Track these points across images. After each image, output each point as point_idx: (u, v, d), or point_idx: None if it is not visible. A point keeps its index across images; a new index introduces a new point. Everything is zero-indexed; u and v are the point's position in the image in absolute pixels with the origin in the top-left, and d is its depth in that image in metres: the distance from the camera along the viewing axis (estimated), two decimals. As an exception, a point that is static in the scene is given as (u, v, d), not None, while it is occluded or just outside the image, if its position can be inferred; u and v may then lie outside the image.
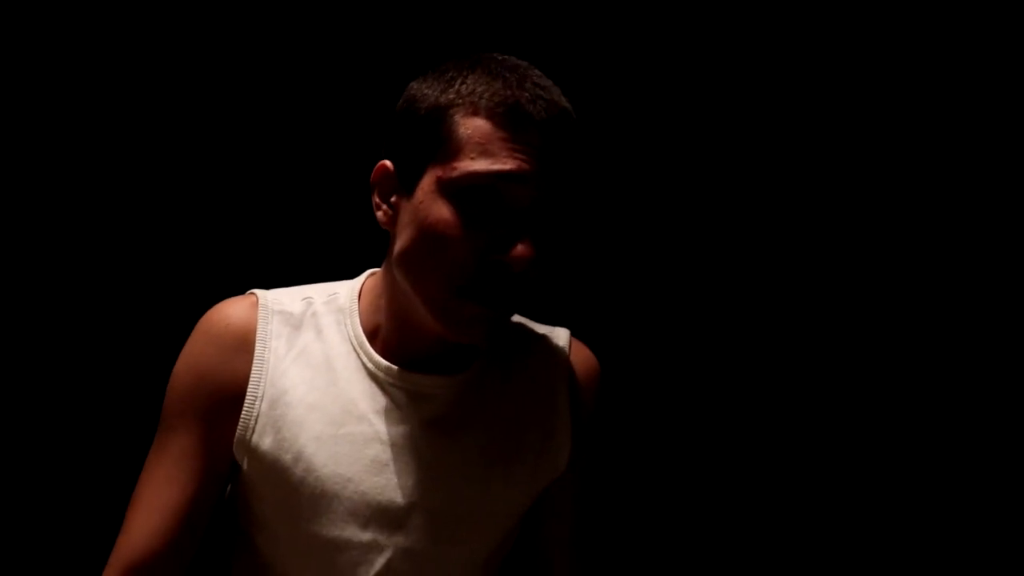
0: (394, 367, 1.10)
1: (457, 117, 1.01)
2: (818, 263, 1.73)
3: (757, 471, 1.74)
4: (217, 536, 1.19)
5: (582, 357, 1.20)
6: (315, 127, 1.70)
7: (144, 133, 1.66)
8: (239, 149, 1.68)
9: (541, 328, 1.20)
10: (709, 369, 1.75)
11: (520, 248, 1.00)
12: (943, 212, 1.68)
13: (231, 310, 1.13)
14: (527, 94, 1.01)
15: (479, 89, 1.01)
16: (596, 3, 1.69)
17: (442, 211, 1.01)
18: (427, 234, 1.02)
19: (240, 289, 1.18)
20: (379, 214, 1.09)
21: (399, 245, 1.05)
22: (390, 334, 1.11)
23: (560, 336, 1.19)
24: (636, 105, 1.72)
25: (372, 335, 1.12)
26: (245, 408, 1.09)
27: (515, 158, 1.00)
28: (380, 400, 1.10)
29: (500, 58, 1.06)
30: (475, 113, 1.01)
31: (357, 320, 1.13)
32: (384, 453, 1.09)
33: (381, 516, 1.08)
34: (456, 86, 1.03)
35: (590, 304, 1.68)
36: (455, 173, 1.00)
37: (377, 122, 1.39)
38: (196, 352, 1.11)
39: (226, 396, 1.09)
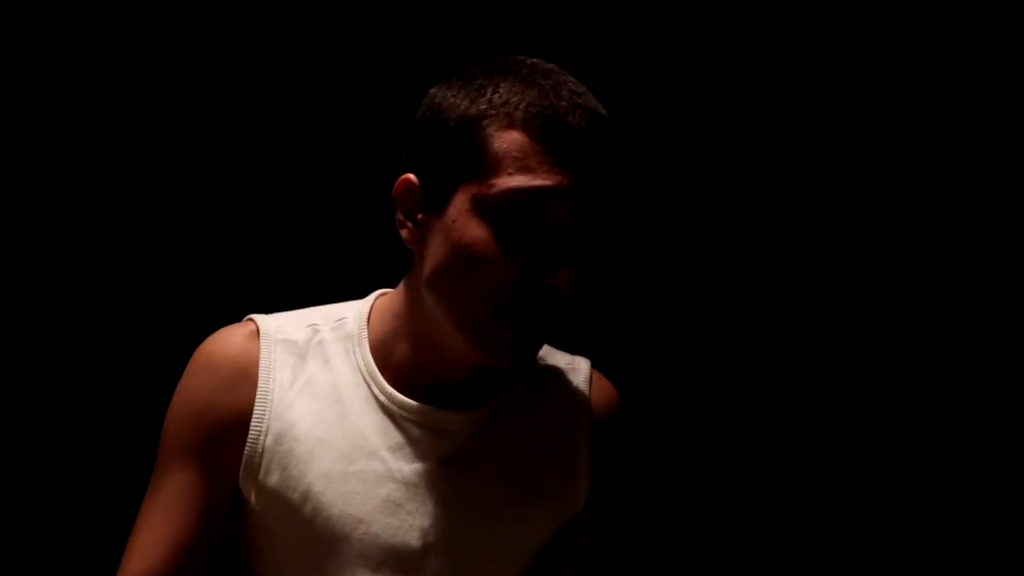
0: (409, 401, 1.04)
1: (491, 130, 0.95)
2: (847, 292, 1.69)
3: (786, 512, 1.70)
4: (220, 572, 1.13)
5: (602, 390, 1.15)
6: (316, 135, 1.63)
7: (143, 140, 1.59)
8: (238, 159, 1.61)
9: (561, 357, 1.14)
10: (732, 401, 1.71)
11: (563, 268, 0.95)
12: (953, 212, 1.66)
13: (229, 340, 1.05)
14: (564, 103, 0.95)
15: (513, 99, 0.95)
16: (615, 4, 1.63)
17: (478, 231, 0.95)
18: (463, 255, 0.95)
19: (239, 308, 1.10)
20: (403, 232, 1.02)
21: (430, 266, 0.99)
22: (406, 362, 1.05)
23: (580, 367, 1.14)
24: (658, 109, 1.67)
25: (384, 364, 1.06)
26: (249, 444, 1.02)
27: (555, 173, 0.94)
28: (393, 435, 1.03)
29: (530, 62, 0.99)
30: (511, 126, 0.95)
31: (367, 348, 1.06)
32: (397, 492, 1.02)
33: (395, 559, 1.02)
34: (487, 95, 0.96)
35: (609, 326, 1.63)
36: (492, 191, 0.94)
37: (386, 130, 1.33)
38: (194, 386, 1.04)
39: (227, 431, 1.02)
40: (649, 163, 1.61)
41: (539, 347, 1.00)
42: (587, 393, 1.13)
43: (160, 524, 1.02)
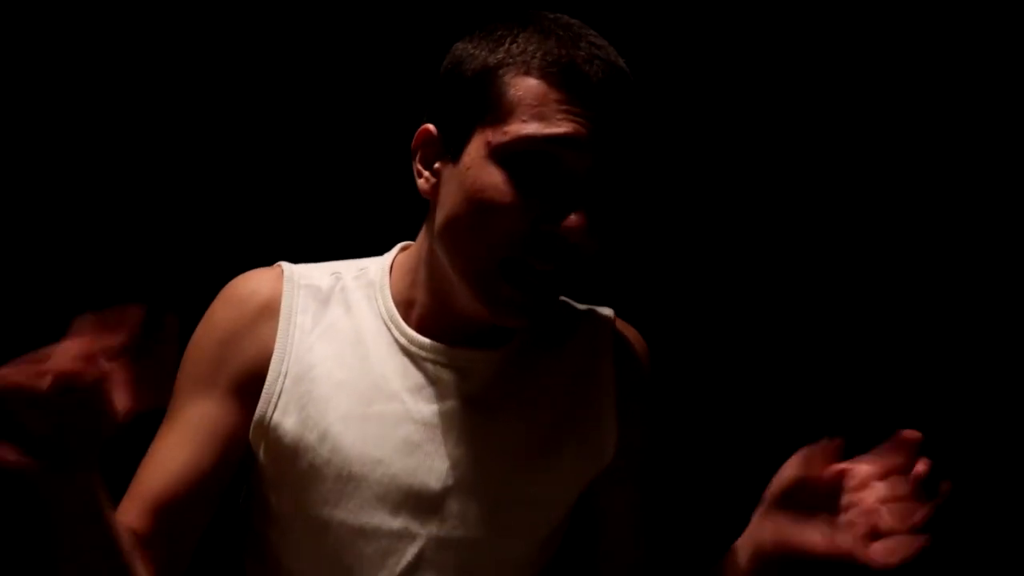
0: (428, 340, 1.04)
1: (507, 78, 0.96)
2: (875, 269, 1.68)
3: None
4: (229, 541, 1.12)
5: (628, 337, 1.13)
6: (334, 97, 1.63)
7: (161, 109, 1.61)
8: (260, 120, 1.62)
9: (583, 307, 1.13)
10: (760, 358, 1.69)
11: (575, 217, 0.95)
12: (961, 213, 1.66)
13: (257, 279, 1.07)
14: (583, 53, 0.95)
15: (531, 48, 0.96)
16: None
17: (492, 177, 0.96)
18: (475, 201, 0.96)
19: (263, 262, 1.11)
20: (420, 181, 1.03)
21: (442, 214, 1.00)
22: (426, 308, 1.05)
23: (604, 316, 1.13)
24: (693, 72, 1.66)
25: (405, 310, 1.06)
26: (267, 384, 1.03)
27: (571, 121, 0.94)
28: (413, 376, 1.04)
29: (551, 16, 1.00)
30: (527, 73, 0.96)
31: (388, 294, 1.07)
32: (417, 433, 1.02)
33: (413, 502, 1.01)
34: (506, 45, 0.98)
35: (633, 287, 1.61)
36: (506, 137, 0.95)
37: (409, 86, 1.35)
38: (220, 317, 1.05)
39: (249, 366, 1.03)
40: (669, 121, 1.60)
41: (547, 303, 1.00)
42: (611, 337, 1.11)
43: (175, 449, 1.02)
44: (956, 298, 1.66)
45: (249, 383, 1.03)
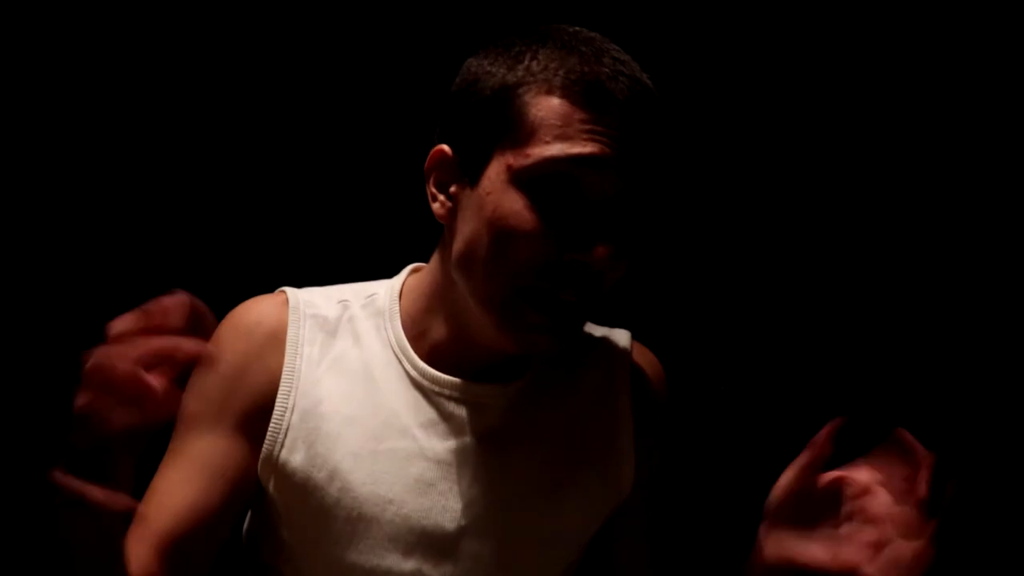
0: (442, 375, 1.00)
1: (528, 97, 0.91)
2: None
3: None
4: (237, 572, 1.08)
5: (645, 363, 1.09)
6: (342, 109, 1.59)
7: (166, 122, 1.57)
8: (264, 135, 1.58)
9: (599, 330, 1.09)
10: (781, 379, 1.65)
11: (602, 246, 0.90)
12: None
13: (261, 307, 1.03)
14: (607, 69, 0.91)
15: (552, 65, 0.91)
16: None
17: (513, 202, 0.91)
18: (496, 228, 0.91)
19: (267, 287, 1.07)
20: (435, 206, 0.98)
21: (461, 242, 0.95)
22: (441, 339, 1.01)
23: (620, 339, 1.08)
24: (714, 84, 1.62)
25: (416, 340, 1.02)
26: (274, 420, 0.98)
27: (596, 141, 0.90)
28: (425, 412, 0.99)
29: (571, 30, 0.95)
30: (549, 92, 0.91)
31: (399, 323, 1.02)
32: (430, 471, 0.98)
33: (426, 543, 0.97)
34: (526, 62, 0.93)
35: (650, 302, 1.57)
36: (528, 160, 0.91)
37: (418, 101, 1.29)
38: (225, 348, 1.00)
39: (256, 400, 0.99)
40: (695, 137, 1.57)
41: (573, 330, 0.96)
42: (628, 365, 1.07)
43: (182, 487, 0.97)
44: (968, 305, 1.64)
45: (256, 417, 0.99)
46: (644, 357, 1.09)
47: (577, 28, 0.96)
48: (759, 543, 0.95)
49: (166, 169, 1.57)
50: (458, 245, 0.95)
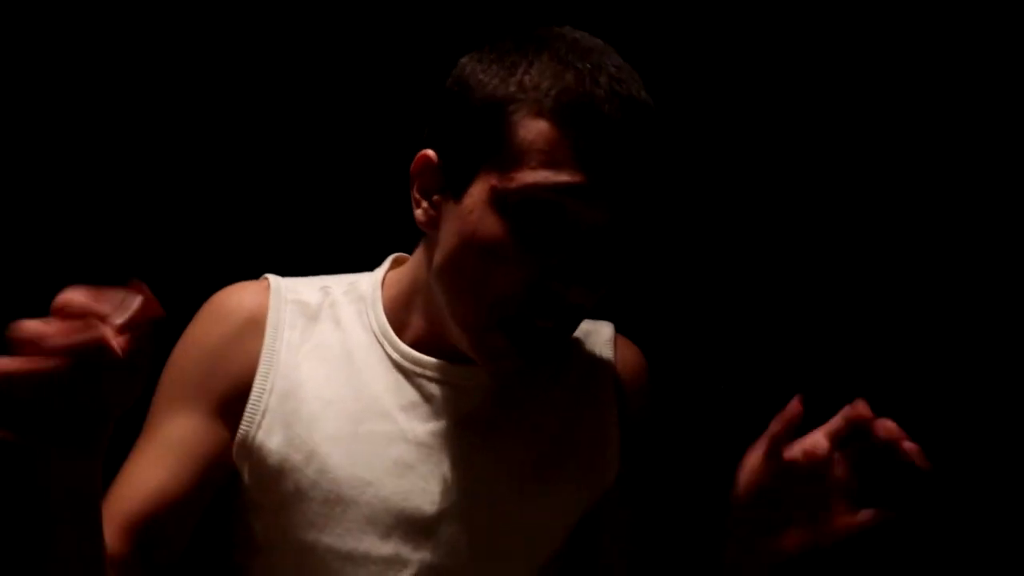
0: (422, 356, 1.00)
1: (517, 117, 0.88)
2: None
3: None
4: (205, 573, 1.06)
5: (629, 355, 1.09)
6: (320, 98, 1.56)
7: (144, 112, 1.54)
8: (242, 121, 1.55)
9: (582, 323, 1.07)
10: (765, 373, 1.63)
11: (581, 281, 0.89)
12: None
13: (242, 291, 1.02)
14: (602, 91, 0.87)
15: (544, 84, 0.88)
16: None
17: (494, 227, 0.89)
18: (474, 251, 0.90)
19: (249, 276, 1.07)
20: (418, 212, 0.97)
21: (440, 255, 0.94)
22: (422, 330, 1.01)
23: (603, 332, 1.09)
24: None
25: (398, 325, 1.02)
26: (251, 401, 0.98)
27: (584, 170, 0.87)
28: (407, 394, 0.99)
29: (571, 38, 0.92)
30: (539, 114, 0.88)
31: (380, 309, 1.02)
32: (410, 453, 0.97)
33: (405, 526, 0.96)
34: (518, 75, 0.89)
35: (636, 298, 1.54)
36: (512, 184, 0.88)
37: (407, 92, 1.27)
38: (203, 332, 1.00)
39: (234, 383, 0.98)
40: (689, 160, 1.54)
41: (547, 355, 0.95)
42: (612, 357, 1.07)
43: (153, 468, 0.95)
44: (967, 315, 1.63)
45: (233, 400, 0.98)
46: (627, 349, 1.09)
47: (579, 35, 0.93)
48: (730, 533, 0.93)
49: (145, 161, 1.55)
50: (438, 259, 0.94)
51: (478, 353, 0.94)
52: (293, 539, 0.97)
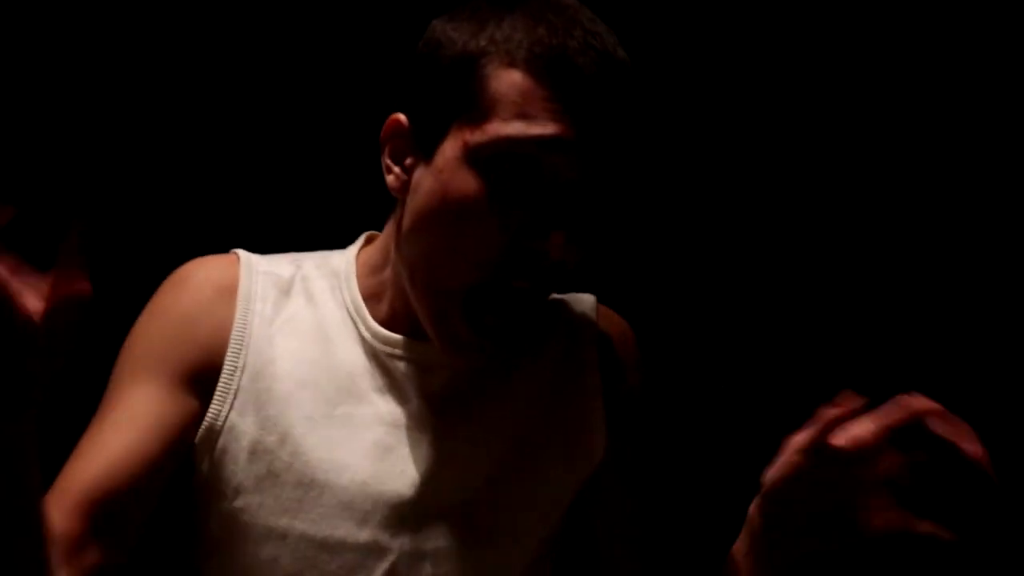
0: (396, 336, 0.96)
1: (489, 69, 0.86)
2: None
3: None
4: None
5: (612, 324, 1.05)
6: (286, 70, 1.50)
7: (105, 91, 1.48)
8: (204, 101, 1.49)
9: (562, 296, 1.05)
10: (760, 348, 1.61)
11: (560, 232, 0.86)
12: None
13: (210, 263, 0.98)
14: (575, 43, 0.85)
15: (517, 36, 0.86)
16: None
17: (467, 182, 0.86)
18: (446, 210, 0.87)
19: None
20: (390, 178, 0.94)
21: (408, 220, 0.91)
22: (394, 301, 0.97)
23: (585, 302, 1.05)
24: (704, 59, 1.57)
25: (372, 302, 0.98)
26: (223, 380, 0.93)
27: (558, 121, 0.85)
28: (382, 374, 0.96)
29: None
30: (511, 64, 0.86)
31: (355, 284, 0.98)
32: (388, 436, 0.94)
33: (383, 511, 0.92)
34: (489, 30, 0.87)
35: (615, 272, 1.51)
36: (484, 137, 0.86)
37: (377, 62, 1.24)
38: (171, 300, 0.95)
39: (203, 354, 0.93)
40: (667, 116, 1.51)
41: (515, 332, 0.92)
42: (594, 329, 1.03)
43: (111, 437, 0.89)
44: (952, 302, 1.63)
45: (202, 372, 0.93)
46: (610, 319, 1.06)
47: None
48: (751, 523, 0.90)
49: (105, 137, 1.49)
50: (406, 223, 0.91)
51: (436, 334, 0.91)
52: (264, 525, 0.93)
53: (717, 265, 1.61)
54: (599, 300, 1.07)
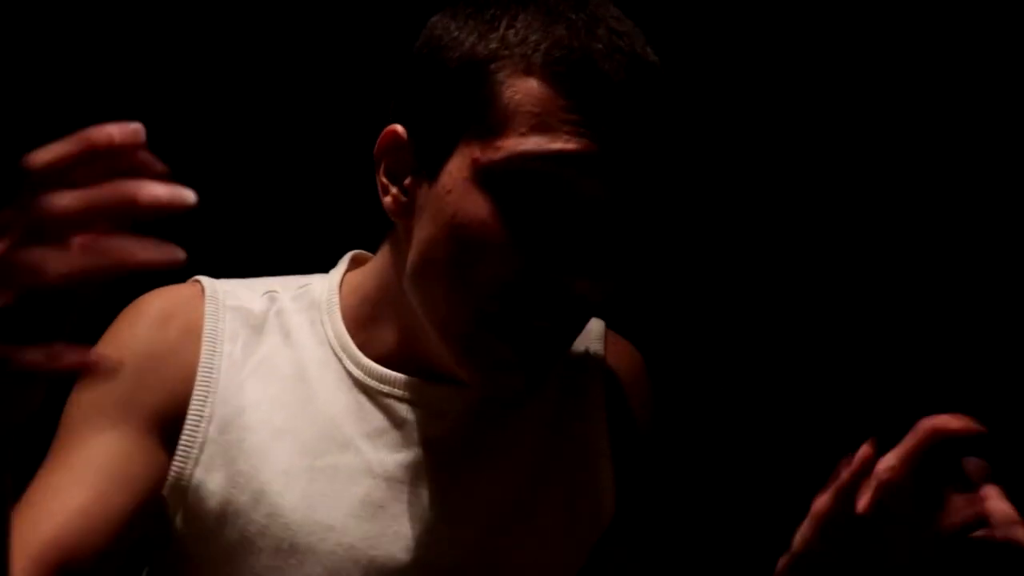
0: (390, 372, 0.85)
1: (502, 76, 0.76)
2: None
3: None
4: None
5: (621, 357, 0.95)
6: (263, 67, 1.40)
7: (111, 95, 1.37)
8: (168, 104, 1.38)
9: None
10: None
11: (585, 264, 0.75)
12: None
13: (170, 296, 0.86)
14: (600, 45, 0.75)
15: (533, 38, 0.75)
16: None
17: (478, 206, 0.76)
18: (455, 238, 0.76)
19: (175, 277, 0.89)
20: (387, 200, 0.82)
21: (415, 249, 0.80)
22: (391, 336, 0.86)
23: (592, 330, 0.94)
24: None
25: (361, 337, 0.86)
26: (187, 432, 0.82)
27: (582, 135, 0.74)
28: (372, 419, 0.84)
29: None
30: (527, 71, 0.75)
31: (338, 317, 0.87)
32: (378, 491, 0.83)
33: None
34: (500, 30, 0.76)
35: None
36: (498, 155, 0.75)
37: (377, 64, 1.13)
38: (130, 335, 0.84)
39: (170, 396, 0.82)
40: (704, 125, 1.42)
41: (546, 363, 0.80)
42: (601, 361, 0.93)
43: (70, 489, 0.78)
44: (956, 307, 1.57)
45: (169, 418, 0.82)
46: (619, 352, 0.95)
47: None
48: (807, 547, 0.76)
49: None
50: (413, 256, 0.80)
51: (471, 370, 0.80)
52: None
53: (729, 278, 1.55)
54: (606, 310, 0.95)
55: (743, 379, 1.53)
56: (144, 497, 0.81)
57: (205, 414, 0.83)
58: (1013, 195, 1.56)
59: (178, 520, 0.83)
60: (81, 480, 0.78)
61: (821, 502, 0.73)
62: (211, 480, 0.81)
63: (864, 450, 0.71)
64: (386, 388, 0.85)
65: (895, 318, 1.56)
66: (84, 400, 0.82)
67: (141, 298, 0.86)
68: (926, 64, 1.54)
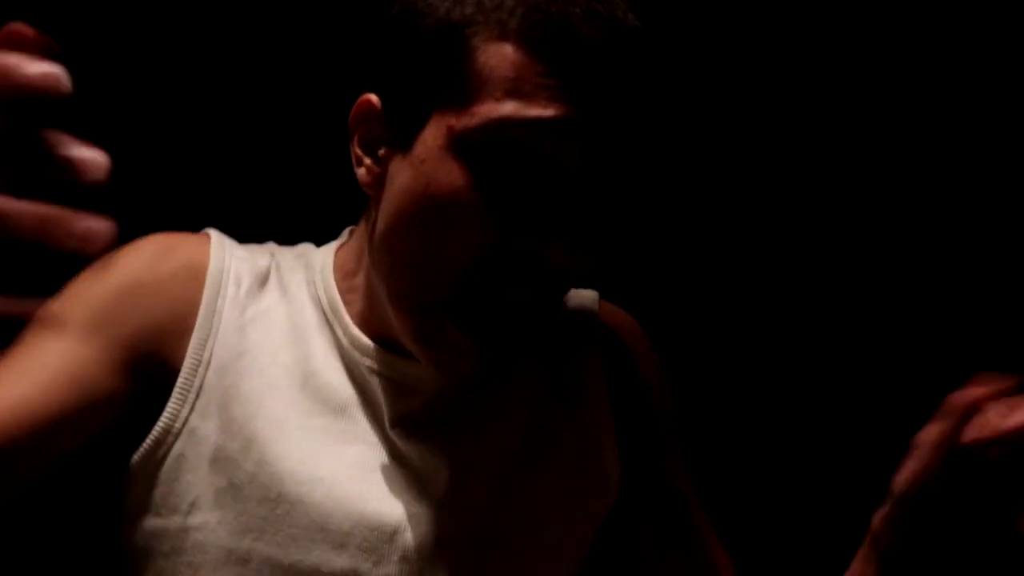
0: (372, 344, 0.85)
1: (477, 41, 0.74)
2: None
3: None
4: None
5: (617, 326, 0.94)
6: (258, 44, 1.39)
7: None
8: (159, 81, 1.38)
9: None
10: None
11: (561, 231, 0.75)
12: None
13: (176, 236, 0.86)
14: (579, 9, 0.73)
15: (509, 2, 0.74)
16: None
17: (453, 175, 0.74)
18: (428, 208, 0.75)
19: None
20: (360, 171, 0.82)
21: (382, 222, 0.79)
22: (366, 313, 0.86)
23: (586, 299, 0.94)
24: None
25: (351, 303, 0.87)
26: (184, 375, 0.81)
27: (559, 100, 0.73)
28: (365, 386, 0.84)
29: None
30: (503, 36, 0.74)
31: (331, 281, 0.87)
32: (371, 455, 0.82)
33: (364, 534, 0.80)
34: None
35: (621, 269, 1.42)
36: (473, 121, 0.74)
37: (353, 35, 1.12)
38: (125, 263, 0.82)
39: (151, 333, 0.80)
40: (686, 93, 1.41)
41: (510, 348, 0.80)
42: (596, 333, 0.92)
43: (15, 379, 0.76)
44: (956, 305, 1.57)
45: (143, 353, 0.80)
46: (615, 318, 0.95)
47: None
48: (882, 539, 0.79)
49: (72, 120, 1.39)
50: (380, 226, 0.79)
51: (422, 345, 0.79)
52: (222, 547, 0.80)
53: (729, 262, 1.55)
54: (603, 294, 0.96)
55: (743, 369, 1.53)
56: (86, 405, 0.78)
57: (203, 358, 0.82)
58: (1013, 195, 1.56)
59: (153, 474, 0.81)
60: (28, 374, 0.76)
61: (930, 432, 0.73)
62: (205, 426, 0.81)
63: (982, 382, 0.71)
64: (370, 363, 0.84)
65: (897, 299, 1.56)
66: (54, 310, 0.80)
67: (141, 239, 0.85)
68: (922, 54, 1.54)
